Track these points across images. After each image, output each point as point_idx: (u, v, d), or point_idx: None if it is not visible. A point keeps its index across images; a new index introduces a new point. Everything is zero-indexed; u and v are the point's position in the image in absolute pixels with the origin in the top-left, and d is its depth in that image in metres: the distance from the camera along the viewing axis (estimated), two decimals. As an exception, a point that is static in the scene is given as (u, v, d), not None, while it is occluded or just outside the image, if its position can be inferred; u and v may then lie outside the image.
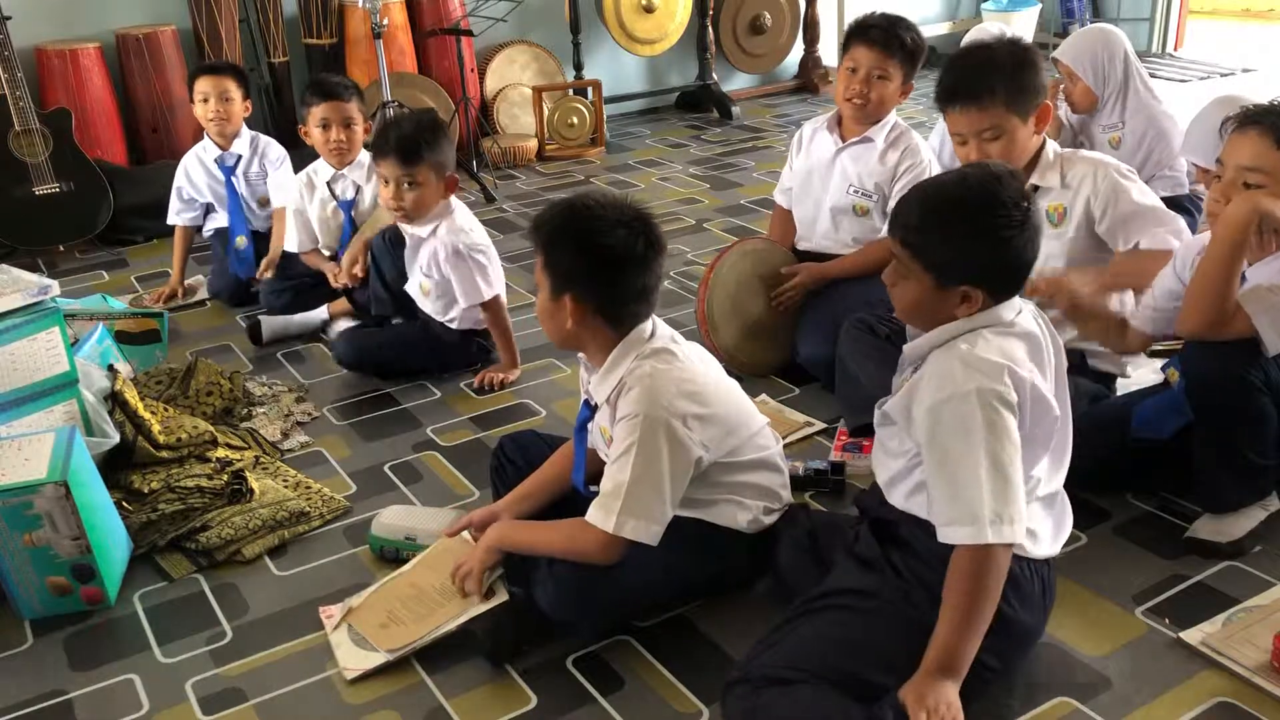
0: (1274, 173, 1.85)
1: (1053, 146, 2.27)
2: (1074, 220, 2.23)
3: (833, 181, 2.84)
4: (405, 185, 2.74)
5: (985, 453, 1.50)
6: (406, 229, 2.87)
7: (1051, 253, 2.22)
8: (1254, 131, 1.87)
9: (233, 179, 3.54)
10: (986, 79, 2.15)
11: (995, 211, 1.55)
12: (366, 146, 3.29)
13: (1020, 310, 1.63)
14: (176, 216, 3.61)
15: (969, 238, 1.56)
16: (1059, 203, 2.23)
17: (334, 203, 3.29)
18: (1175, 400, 2.00)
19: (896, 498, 1.71)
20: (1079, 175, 2.22)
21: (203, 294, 3.62)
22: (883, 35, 2.68)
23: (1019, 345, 1.58)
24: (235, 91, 3.48)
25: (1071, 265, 2.23)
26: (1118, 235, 2.22)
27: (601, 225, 1.73)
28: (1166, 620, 1.84)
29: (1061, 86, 3.37)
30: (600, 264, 1.73)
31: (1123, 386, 2.39)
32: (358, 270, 3.04)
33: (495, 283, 2.85)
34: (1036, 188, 2.23)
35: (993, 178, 1.57)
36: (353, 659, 1.84)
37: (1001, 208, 1.55)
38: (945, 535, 1.53)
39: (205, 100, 3.45)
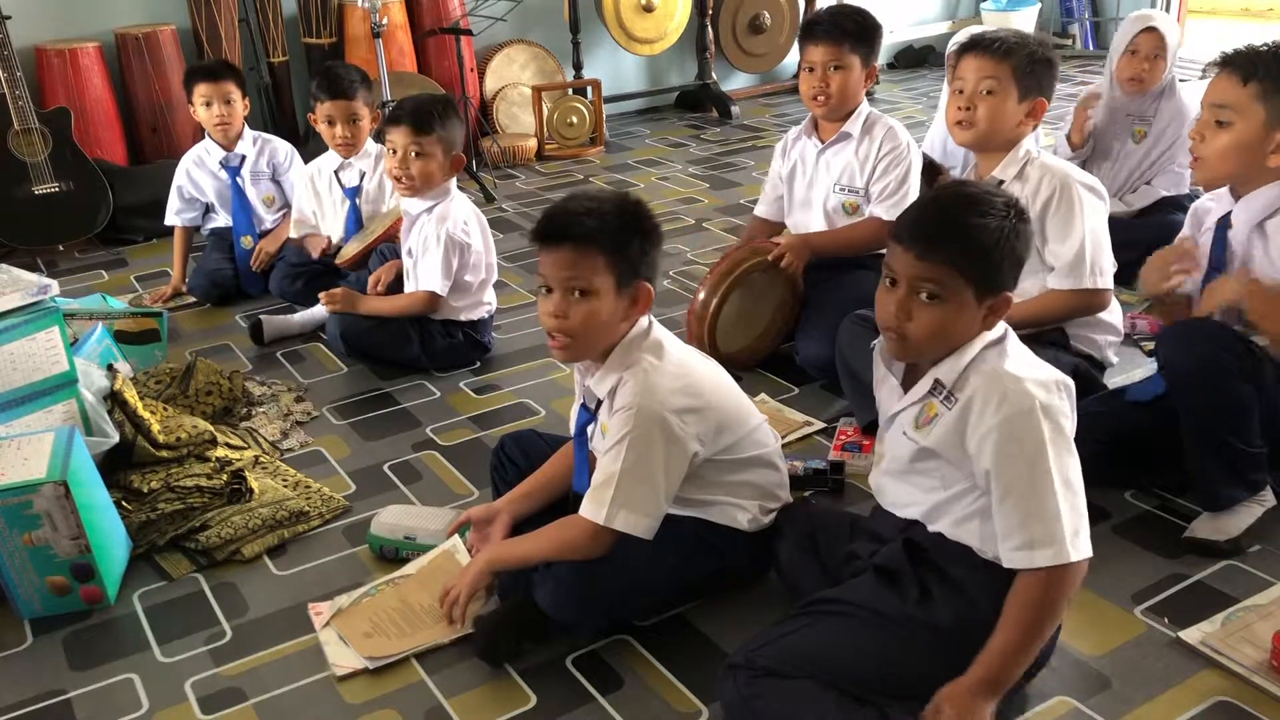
0: (1239, 108, 1.93)
1: (1029, 145, 2.31)
2: None
3: (820, 184, 2.86)
4: (413, 154, 2.77)
5: (1056, 470, 1.48)
6: (404, 206, 2.90)
7: None
8: (1224, 71, 1.96)
9: (237, 179, 3.55)
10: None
11: (1011, 209, 1.54)
12: (374, 137, 3.32)
13: None
14: (176, 216, 3.61)
15: (1008, 236, 1.52)
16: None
17: (340, 191, 3.33)
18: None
19: (943, 526, 1.64)
20: (1034, 177, 2.27)
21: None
22: (827, 27, 2.71)
23: (1028, 351, 1.58)
24: (236, 93, 3.49)
25: None
26: (1047, 237, 2.25)
27: (645, 208, 1.77)
28: (1166, 619, 1.84)
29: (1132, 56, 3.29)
30: (659, 248, 1.78)
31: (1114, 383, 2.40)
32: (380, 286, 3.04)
33: (443, 282, 2.85)
34: (1001, 183, 2.26)
35: (980, 187, 1.59)
36: (341, 657, 1.85)
37: (1016, 201, 1.56)
38: (1019, 560, 1.48)
39: (208, 105, 3.46)
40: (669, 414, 1.71)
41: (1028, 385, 1.50)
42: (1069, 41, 6.69)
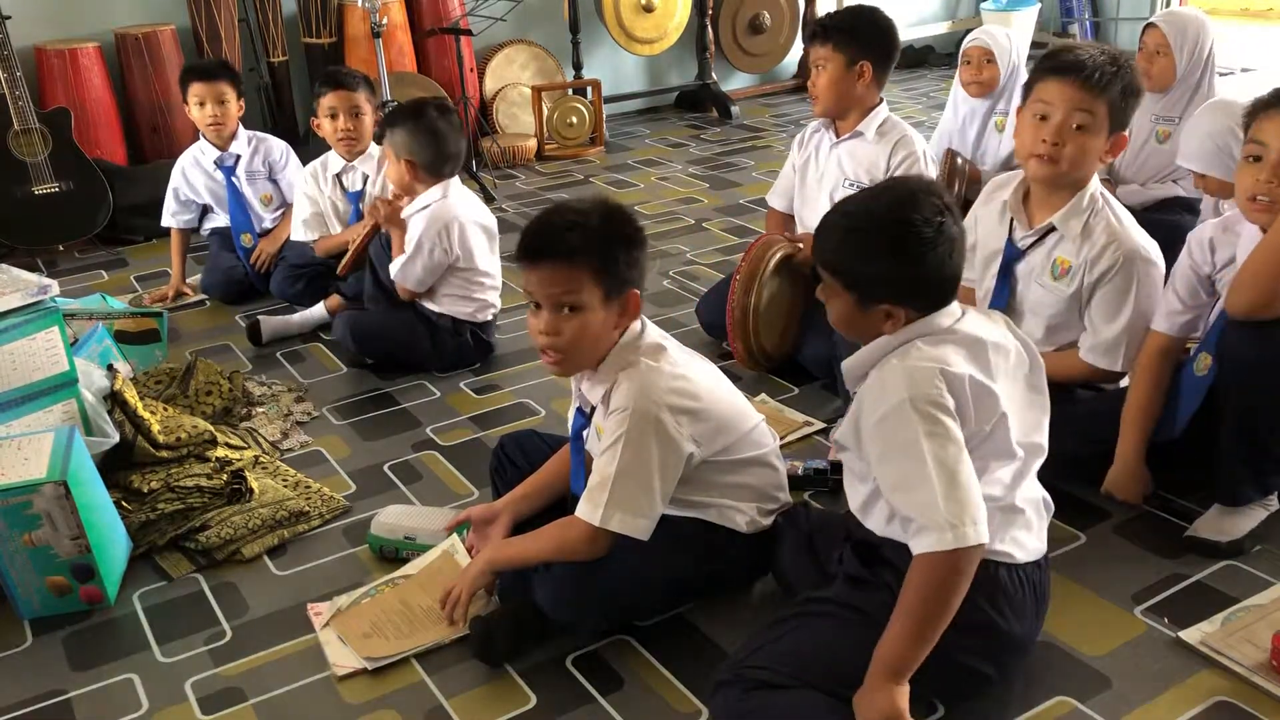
0: None
1: (1094, 190, 2.09)
2: (1075, 283, 2.09)
3: (829, 179, 2.87)
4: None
5: (930, 460, 1.47)
6: (404, 212, 2.90)
7: (1043, 303, 2.14)
8: None
9: (233, 179, 3.54)
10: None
11: (905, 230, 1.52)
12: (376, 140, 3.32)
13: (962, 316, 1.59)
14: (172, 219, 3.61)
15: (881, 259, 1.54)
16: (1067, 258, 2.09)
17: (342, 195, 3.32)
18: (1183, 392, 2.00)
19: (874, 523, 1.66)
20: (1099, 241, 2.06)
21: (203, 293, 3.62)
22: (814, 27, 2.79)
23: (953, 350, 1.54)
24: (230, 93, 3.48)
25: (1055, 321, 2.14)
26: (1091, 307, 2.11)
27: (629, 215, 1.77)
28: (1166, 619, 1.84)
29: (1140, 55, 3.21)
30: (644, 251, 1.78)
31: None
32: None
33: (418, 280, 2.86)
34: (1053, 228, 2.10)
35: (907, 194, 1.55)
36: (341, 657, 1.85)
37: (911, 226, 1.52)
38: (915, 547, 1.49)
39: (202, 105, 3.45)
40: (664, 414, 1.71)
41: (903, 379, 1.51)
42: (1069, 42, 6.69)
